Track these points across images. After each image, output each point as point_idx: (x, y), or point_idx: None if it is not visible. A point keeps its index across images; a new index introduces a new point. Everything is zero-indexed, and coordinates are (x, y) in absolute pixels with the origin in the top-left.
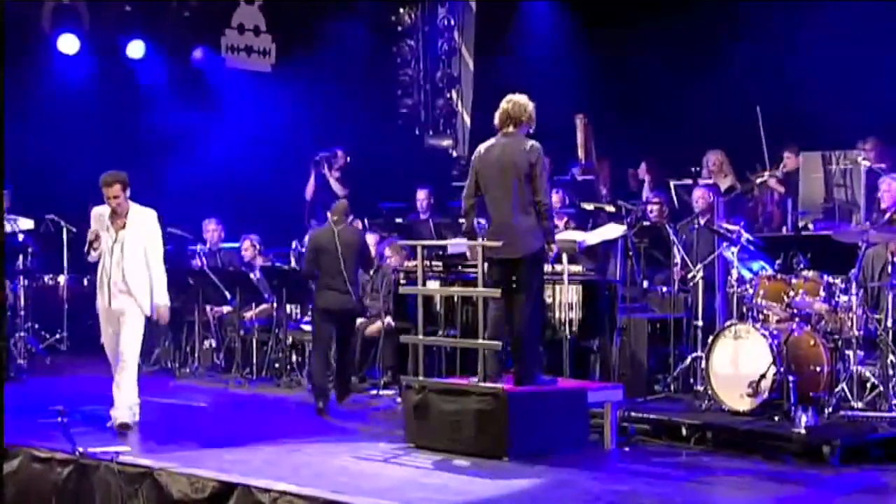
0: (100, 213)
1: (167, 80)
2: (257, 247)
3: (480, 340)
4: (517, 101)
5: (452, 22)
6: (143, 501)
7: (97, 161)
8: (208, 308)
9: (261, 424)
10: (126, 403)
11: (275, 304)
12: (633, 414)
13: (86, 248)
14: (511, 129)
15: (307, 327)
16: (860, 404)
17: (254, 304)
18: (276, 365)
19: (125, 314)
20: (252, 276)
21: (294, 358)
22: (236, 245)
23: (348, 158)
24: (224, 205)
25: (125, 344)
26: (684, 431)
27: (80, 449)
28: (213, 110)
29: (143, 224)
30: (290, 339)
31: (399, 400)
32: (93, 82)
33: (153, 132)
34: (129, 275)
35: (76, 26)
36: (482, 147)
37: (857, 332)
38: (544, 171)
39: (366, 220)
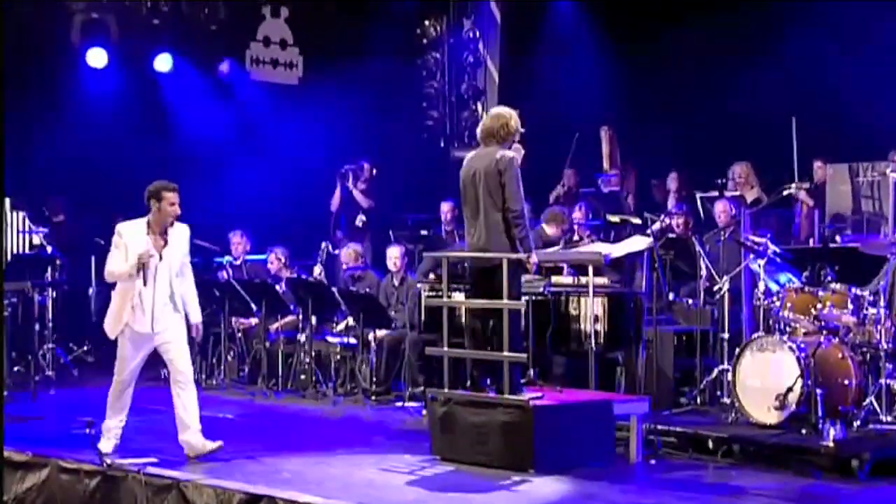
0: (134, 230)
1: (194, 93)
2: (283, 259)
3: (505, 353)
4: (497, 114)
5: (478, 34)
6: None
7: (125, 174)
8: (234, 320)
9: (286, 436)
10: (196, 426)
11: (300, 316)
12: (659, 427)
13: (136, 269)
14: (491, 142)
15: (333, 339)
16: (889, 417)
17: (279, 316)
18: (302, 377)
19: (174, 334)
20: (278, 287)
21: (320, 370)
22: (263, 257)
23: (374, 171)
24: (250, 218)
25: (185, 363)
26: (711, 445)
27: (108, 461)
28: (240, 123)
29: (183, 239)
30: (315, 352)
31: (425, 412)
32: (121, 96)
33: (180, 145)
34: (176, 295)
35: (105, 40)
36: (466, 158)
37: (885, 345)
38: (516, 179)
39: (391, 233)
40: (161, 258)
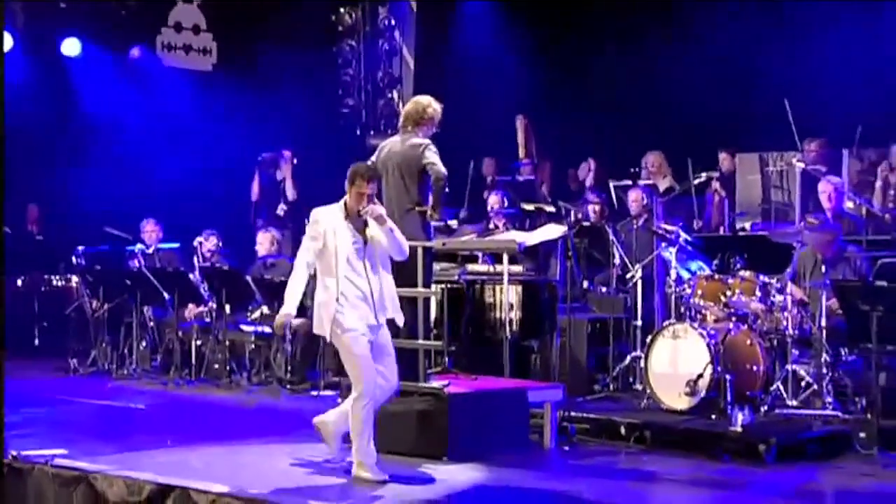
0: (331, 215)
1: (105, 78)
2: (218, 244)
3: (421, 341)
4: (417, 102)
5: (393, 22)
6: None
7: (32, 161)
8: (146, 309)
9: (199, 426)
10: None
11: (214, 305)
12: (572, 413)
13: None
14: (410, 129)
15: (247, 328)
16: (795, 402)
17: (192, 305)
18: (216, 366)
19: (386, 335)
20: (191, 276)
21: (234, 359)
22: (175, 245)
23: (295, 159)
24: (165, 206)
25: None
26: (623, 430)
27: (14, 452)
28: (153, 110)
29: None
30: (229, 341)
31: (339, 401)
32: (27, 80)
33: (90, 131)
34: (386, 283)
35: (10, 23)
36: (384, 144)
37: (792, 332)
38: (437, 154)
39: (306, 221)
40: (365, 244)
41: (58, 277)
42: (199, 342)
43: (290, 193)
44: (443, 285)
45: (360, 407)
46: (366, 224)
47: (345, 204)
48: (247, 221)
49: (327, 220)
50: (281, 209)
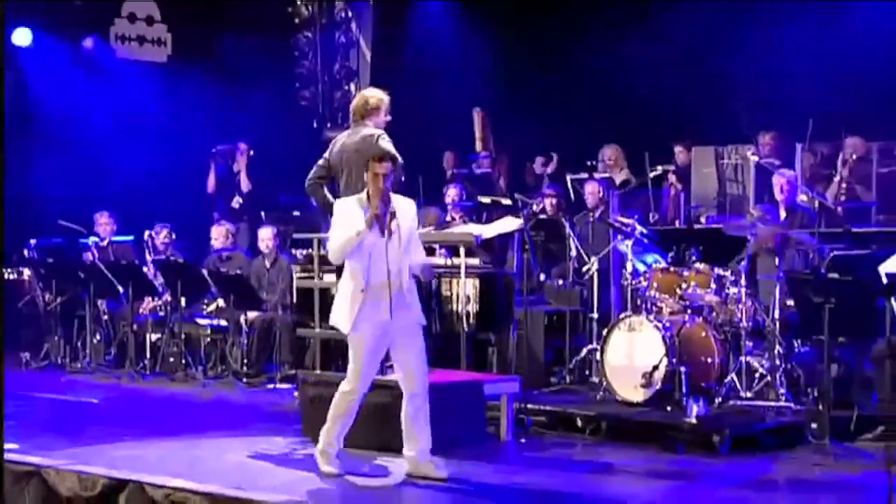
0: (354, 206)
1: (57, 69)
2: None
3: None
4: (365, 95)
5: (350, 14)
6: (28, 500)
7: None
8: (100, 302)
9: (154, 420)
10: (429, 446)
11: (169, 298)
12: (529, 406)
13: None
14: (361, 121)
15: (202, 321)
16: (749, 394)
17: (147, 299)
18: (171, 360)
19: (410, 331)
20: (145, 269)
21: (190, 353)
22: (129, 238)
23: (251, 151)
24: (119, 198)
25: (423, 370)
26: (579, 422)
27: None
28: (107, 101)
29: (410, 216)
30: (184, 334)
31: (296, 394)
32: None
33: (42, 123)
34: (408, 280)
35: None
36: (337, 138)
37: (746, 324)
38: (389, 143)
39: (263, 214)
40: (390, 234)
41: (10, 270)
42: (153, 336)
43: (245, 185)
44: None
45: (348, 399)
46: (391, 216)
47: (367, 195)
48: (204, 214)
49: (353, 212)
50: (236, 202)
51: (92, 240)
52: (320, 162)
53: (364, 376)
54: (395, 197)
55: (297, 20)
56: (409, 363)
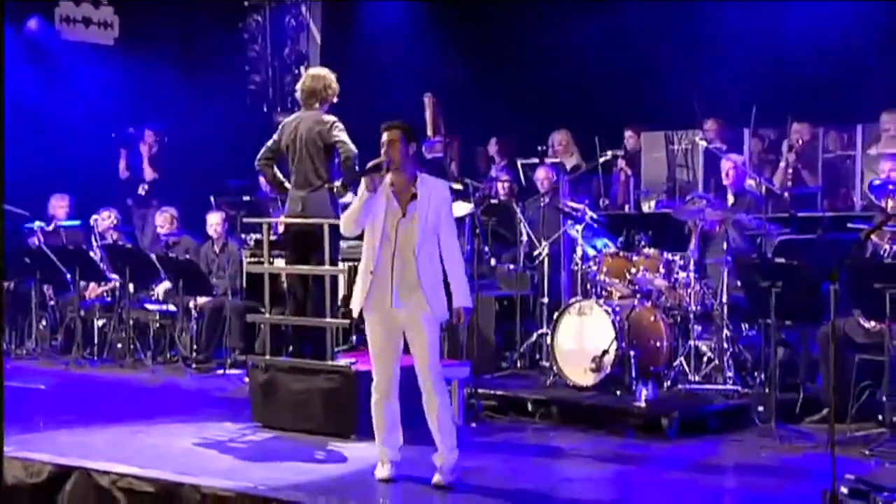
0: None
1: None
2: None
3: (328, 319)
4: (317, 75)
5: None
6: None
7: None
8: (46, 287)
9: (102, 406)
10: (451, 445)
11: (117, 284)
12: (480, 390)
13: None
14: (313, 104)
15: (151, 306)
16: (697, 377)
17: (94, 284)
18: (119, 345)
19: (416, 323)
20: (92, 254)
21: (138, 338)
22: (77, 223)
23: (165, 138)
24: (66, 182)
25: (433, 365)
26: (530, 407)
27: None
28: (52, 84)
29: (440, 198)
30: (133, 319)
31: (246, 379)
32: None
33: None
34: (423, 267)
35: None
36: (287, 120)
37: (694, 308)
38: (346, 133)
39: (212, 198)
40: (402, 214)
41: None
42: (101, 321)
43: (149, 175)
44: (350, 263)
45: (373, 401)
46: (412, 196)
47: (386, 168)
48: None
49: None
50: (142, 188)
51: (37, 224)
52: (269, 143)
53: (376, 370)
54: (425, 178)
55: (246, 3)
56: (416, 359)
